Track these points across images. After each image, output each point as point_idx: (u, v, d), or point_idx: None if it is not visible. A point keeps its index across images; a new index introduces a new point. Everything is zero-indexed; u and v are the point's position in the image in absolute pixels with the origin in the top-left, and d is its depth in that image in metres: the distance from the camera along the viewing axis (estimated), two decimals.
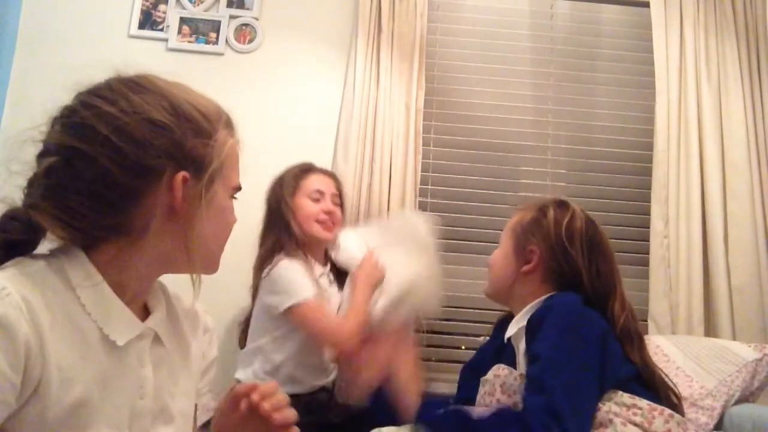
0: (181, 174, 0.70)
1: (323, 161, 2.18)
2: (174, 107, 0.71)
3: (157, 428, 0.73)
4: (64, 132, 0.69)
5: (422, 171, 2.20)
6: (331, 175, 1.80)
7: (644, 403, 1.08)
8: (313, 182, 1.71)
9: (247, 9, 2.32)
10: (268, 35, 2.32)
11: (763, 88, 2.19)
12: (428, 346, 2.14)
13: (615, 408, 1.06)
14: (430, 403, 1.18)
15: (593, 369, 1.07)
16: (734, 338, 1.91)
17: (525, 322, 1.19)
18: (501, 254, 1.29)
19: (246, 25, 2.31)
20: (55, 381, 0.61)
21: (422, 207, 2.20)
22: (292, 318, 1.54)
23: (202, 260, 0.76)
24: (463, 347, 2.17)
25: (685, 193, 2.10)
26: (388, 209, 2.10)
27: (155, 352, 0.75)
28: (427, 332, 2.11)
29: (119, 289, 0.70)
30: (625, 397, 1.08)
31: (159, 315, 0.77)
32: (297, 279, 1.56)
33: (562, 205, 1.23)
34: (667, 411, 1.09)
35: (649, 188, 2.14)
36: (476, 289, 2.20)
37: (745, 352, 1.55)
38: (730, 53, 2.21)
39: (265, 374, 1.59)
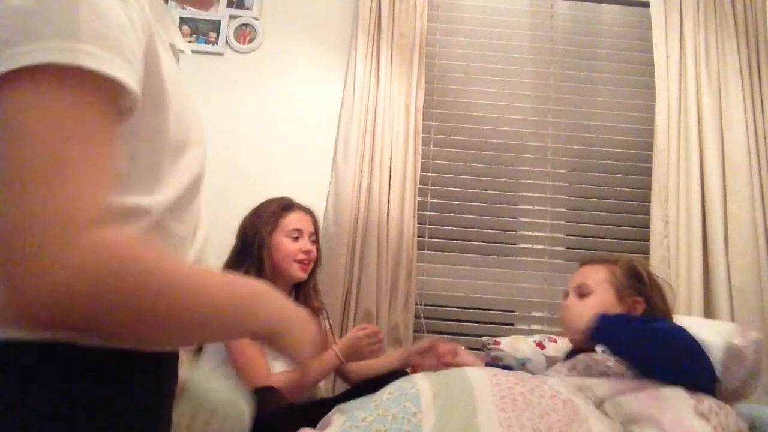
0: None
1: (323, 161, 2.18)
2: None
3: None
4: None
5: (422, 171, 2.20)
6: (309, 212, 1.78)
7: None
8: (293, 221, 1.70)
9: (247, 9, 2.32)
10: (268, 35, 2.32)
11: (763, 88, 2.19)
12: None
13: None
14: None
15: None
16: None
17: None
18: (599, 304, 1.41)
19: (246, 25, 2.31)
20: (168, 83, 0.52)
21: (422, 207, 2.20)
22: (226, 345, 1.54)
23: None
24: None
25: (685, 193, 2.10)
26: (388, 209, 2.10)
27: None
28: (427, 332, 2.11)
29: None
30: None
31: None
32: None
33: (645, 268, 1.49)
34: None
35: (649, 188, 2.14)
36: (476, 289, 2.21)
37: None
38: (730, 53, 2.21)
39: None
